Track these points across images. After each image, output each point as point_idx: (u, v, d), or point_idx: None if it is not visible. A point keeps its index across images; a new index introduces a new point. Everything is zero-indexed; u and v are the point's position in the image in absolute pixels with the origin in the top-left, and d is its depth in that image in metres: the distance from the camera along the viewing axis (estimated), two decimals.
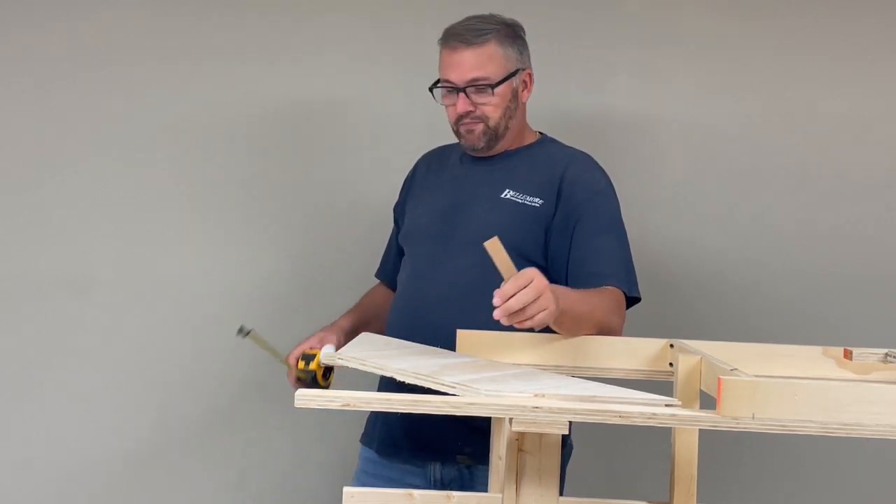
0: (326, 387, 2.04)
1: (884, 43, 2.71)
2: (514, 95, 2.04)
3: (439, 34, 2.06)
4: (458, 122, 2.03)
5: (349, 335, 2.04)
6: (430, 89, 2.05)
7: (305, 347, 2.03)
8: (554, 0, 2.68)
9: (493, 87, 1.99)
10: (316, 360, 1.97)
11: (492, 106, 2.01)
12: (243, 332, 1.97)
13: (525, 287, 1.56)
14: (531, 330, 1.66)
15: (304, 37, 2.72)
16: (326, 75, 2.72)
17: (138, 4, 2.72)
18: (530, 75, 2.08)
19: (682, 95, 2.72)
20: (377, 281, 2.31)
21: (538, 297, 1.57)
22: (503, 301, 1.55)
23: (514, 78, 2.03)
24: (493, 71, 2.00)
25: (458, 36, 2.00)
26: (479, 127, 2.02)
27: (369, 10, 2.72)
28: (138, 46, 2.70)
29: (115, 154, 2.71)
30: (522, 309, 1.56)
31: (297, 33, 2.72)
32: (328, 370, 2.01)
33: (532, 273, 1.58)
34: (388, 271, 2.25)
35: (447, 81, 2.02)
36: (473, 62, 1.99)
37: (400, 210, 2.23)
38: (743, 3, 2.72)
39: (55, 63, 2.69)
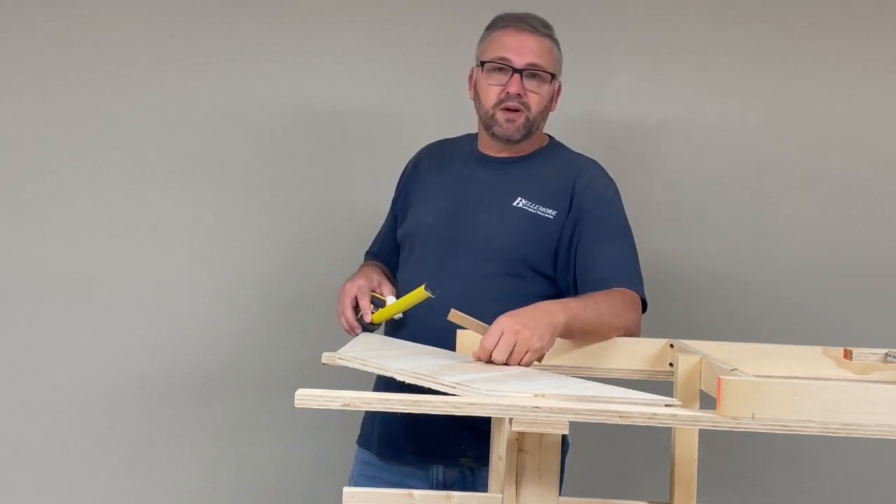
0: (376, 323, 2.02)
1: (884, 43, 2.71)
2: (551, 99, 2.04)
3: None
4: (498, 106, 1.99)
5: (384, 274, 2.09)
6: (481, 64, 2.01)
7: (364, 301, 1.98)
8: (554, 0, 2.68)
9: (552, 76, 2.00)
10: (385, 307, 1.97)
11: (538, 97, 2.00)
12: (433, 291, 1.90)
13: (499, 339, 1.60)
14: None
15: (305, 38, 2.72)
16: (327, 76, 2.72)
17: (139, 4, 2.71)
18: (559, 88, 2.08)
19: (683, 96, 2.72)
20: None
21: (516, 343, 1.60)
22: (487, 357, 1.60)
23: (556, 81, 2.04)
24: (549, 64, 2.01)
25: (525, 21, 2.00)
26: (522, 117, 1.99)
27: (371, 11, 2.72)
28: (139, 46, 2.70)
29: (114, 154, 2.71)
30: (509, 357, 1.60)
31: (297, 34, 2.72)
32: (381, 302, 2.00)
33: (501, 324, 1.61)
34: (377, 256, 2.22)
35: (503, 59, 1.98)
36: (536, 49, 1.99)
37: (400, 204, 2.18)
38: (743, 3, 2.72)
39: (55, 63, 2.69)
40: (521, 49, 1.98)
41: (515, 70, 1.97)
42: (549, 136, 2.13)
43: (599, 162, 2.08)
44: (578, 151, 2.11)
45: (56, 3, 2.70)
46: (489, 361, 1.60)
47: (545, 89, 2.00)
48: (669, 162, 2.73)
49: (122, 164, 2.71)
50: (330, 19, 2.72)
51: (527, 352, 1.60)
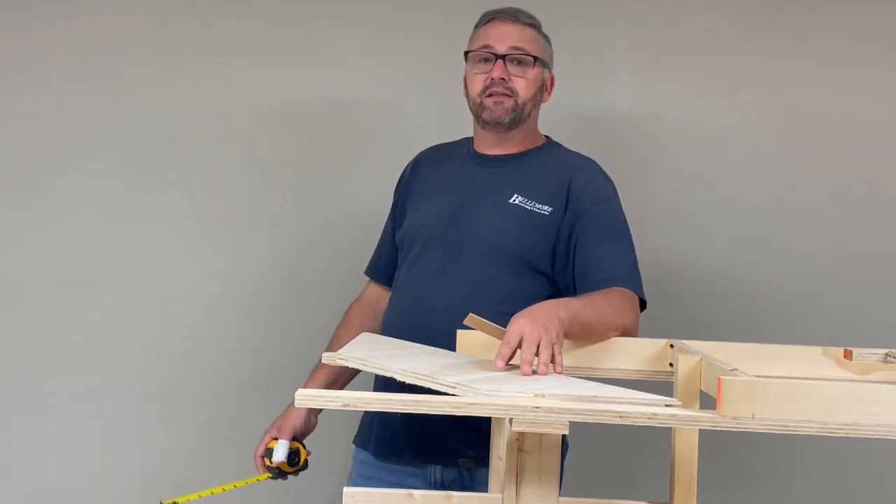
0: (299, 471, 2.14)
1: (884, 43, 2.71)
2: (541, 87, 2.06)
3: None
4: (485, 92, 2.01)
5: (312, 412, 2.15)
6: (466, 54, 2.06)
7: (268, 440, 2.12)
8: (554, 0, 2.68)
9: (534, 59, 2.02)
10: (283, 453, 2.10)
11: (525, 81, 2.02)
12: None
13: (521, 338, 1.55)
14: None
15: (305, 37, 2.72)
16: (327, 76, 2.72)
17: (139, 4, 2.71)
18: (553, 80, 2.10)
19: (683, 96, 2.72)
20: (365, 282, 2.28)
21: (539, 342, 1.55)
22: (511, 353, 1.54)
23: (546, 69, 2.07)
24: (533, 49, 2.03)
25: (508, 13, 2.05)
26: (510, 101, 2.01)
27: (371, 11, 2.72)
28: (139, 46, 2.70)
29: (115, 154, 2.71)
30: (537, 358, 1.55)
31: (297, 34, 2.72)
32: (294, 454, 2.10)
33: (519, 324, 1.57)
34: (381, 269, 2.21)
35: (486, 47, 2.02)
36: (518, 35, 2.02)
37: (399, 208, 2.18)
38: (744, 3, 2.72)
39: (55, 63, 2.69)
40: (503, 36, 2.02)
41: (498, 56, 2.00)
42: (546, 136, 2.13)
43: (598, 161, 2.08)
44: (577, 151, 2.11)
45: (56, 3, 2.70)
46: (510, 362, 1.56)
47: (531, 73, 2.02)
48: (669, 162, 2.73)
49: (122, 164, 2.71)
50: (330, 19, 2.72)
51: (552, 345, 1.56)
